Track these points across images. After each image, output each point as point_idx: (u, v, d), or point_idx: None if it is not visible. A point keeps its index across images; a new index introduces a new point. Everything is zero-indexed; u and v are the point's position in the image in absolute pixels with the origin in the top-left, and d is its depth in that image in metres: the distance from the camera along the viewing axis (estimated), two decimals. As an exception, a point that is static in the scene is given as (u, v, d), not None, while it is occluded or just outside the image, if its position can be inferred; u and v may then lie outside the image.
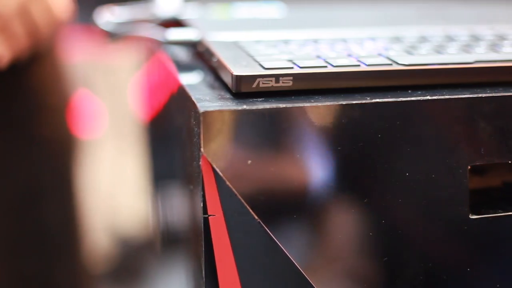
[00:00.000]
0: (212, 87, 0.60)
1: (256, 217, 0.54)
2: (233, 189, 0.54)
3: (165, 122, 0.77)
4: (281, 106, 0.54)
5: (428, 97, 0.56)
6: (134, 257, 1.64)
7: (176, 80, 0.65)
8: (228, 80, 0.57)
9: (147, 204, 1.01)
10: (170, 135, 0.72)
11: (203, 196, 0.54)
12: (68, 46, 1.06)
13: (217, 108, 0.53)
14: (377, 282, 0.58)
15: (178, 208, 0.68)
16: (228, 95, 0.57)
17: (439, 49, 0.63)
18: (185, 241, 0.64)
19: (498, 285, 0.61)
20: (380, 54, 0.61)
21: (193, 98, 0.56)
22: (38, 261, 0.94)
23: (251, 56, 0.60)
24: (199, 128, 0.53)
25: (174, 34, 0.70)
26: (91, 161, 1.26)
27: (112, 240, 1.67)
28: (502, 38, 0.69)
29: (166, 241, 0.82)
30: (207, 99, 0.56)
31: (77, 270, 1.00)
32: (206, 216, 0.54)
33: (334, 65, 0.58)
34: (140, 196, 1.49)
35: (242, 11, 0.83)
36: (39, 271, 0.94)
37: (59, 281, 0.96)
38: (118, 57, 1.70)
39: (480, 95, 0.57)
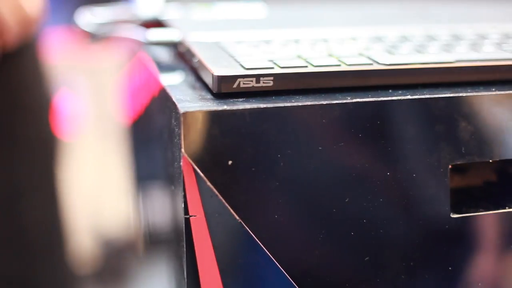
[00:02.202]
0: (193, 87, 0.60)
1: (237, 217, 0.54)
2: (214, 190, 0.54)
3: (147, 123, 0.77)
4: (262, 106, 0.54)
5: (409, 97, 0.56)
6: (116, 258, 1.64)
7: (157, 81, 0.65)
8: (209, 80, 0.57)
9: (130, 205, 1.01)
10: (152, 136, 0.72)
11: (184, 196, 0.54)
12: (48, 46, 1.05)
13: (197, 109, 0.53)
14: (359, 282, 0.58)
15: (160, 209, 0.68)
16: (209, 96, 0.57)
17: (420, 49, 0.63)
18: (167, 241, 0.64)
19: (479, 284, 0.61)
20: (361, 54, 0.61)
21: (174, 99, 0.56)
22: (19, 263, 0.93)
23: (232, 56, 0.60)
24: (179, 128, 0.53)
25: (156, 34, 0.70)
26: (73, 162, 1.26)
27: (95, 241, 1.66)
28: (483, 37, 0.69)
29: (148, 242, 0.82)
30: (187, 100, 0.56)
31: (59, 271, 0.99)
32: (187, 216, 0.54)
33: (315, 65, 0.58)
34: (123, 197, 1.49)
35: (224, 11, 0.83)
36: (20, 272, 0.93)
37: (40, 283, 0.96)
38: (100, 58, 1.70)
39: (460, 95, 0.57)
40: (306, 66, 0.57)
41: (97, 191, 1.70)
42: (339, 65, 0.58)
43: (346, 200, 0.56)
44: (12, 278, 0.93)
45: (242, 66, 0.57)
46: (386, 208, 0.57)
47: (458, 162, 0.58)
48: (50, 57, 1.05)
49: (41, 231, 0.96)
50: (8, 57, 0.88)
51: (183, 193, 0.54)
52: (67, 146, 1.10)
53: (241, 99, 0.55)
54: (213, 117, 0.53)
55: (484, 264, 0.61)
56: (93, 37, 0.81)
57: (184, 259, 0.55)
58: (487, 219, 0.60)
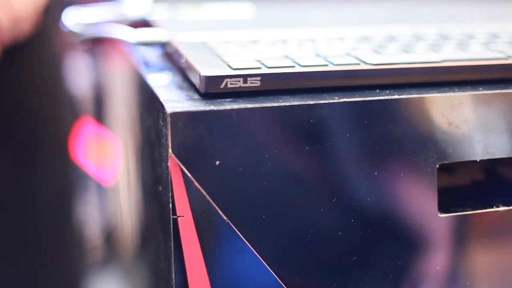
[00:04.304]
0: (180, 88, 0.60)
1: (225, 218, 0.54)
2: (202, 190, 0.54)
3: (134, 123, 0.77)
4: (249, 107, 0.54)
5: (396, 96, 0.56)
6: (101, 256, 1.63)
7: (144, 81, 0.65)
8: (196, 80, 0.57)
9: (117, 206, 1.01)
10: (140, 136, 0.72)
11: (172, 197, 0.54)
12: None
13: (185, 109, 0.53)
14: (347, 281, 0.58)
15: (148, 209, 0.68)
16: (196, 96, 0.57)
17: (407, 49, 0.64)
18: (155, 242, 0.64)
19: (468, 283, 0.61)
20: (348, 54, 0.61)
21: (161, 99, 0.56)
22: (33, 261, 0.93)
23: (220, 57, 0.60)
24: (167, 129, 0.53)
25: (143, 35, 0.70)
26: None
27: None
28: (470, 37, 0.69)
29: (136, 242, 0.82)
30: (175, 100, 0.56)
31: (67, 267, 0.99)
32: (175, 217, 0.54)
33: (302, 65, 0.58)
34: (110, 197, 1.48)
35: (211, 12, 0.83)
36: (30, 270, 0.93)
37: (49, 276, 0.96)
38: (87, 58, 1.69)
39: (447, 94, 0.57)
40: (294, 66, 0.58)
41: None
42: (326, 65, 0.58)
43: (334, 200, 0.56)
44: (22, 275, 0.93)
45: (230, 66, 0.57)
46: (373, 207, 0.57)
47: (446, 162, 0.58)
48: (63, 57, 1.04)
49: (53, 233, 0.96)
50: (14, 57, 0.87)
51: (170, 194, 0.54)
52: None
53: (228, 99, 0.55)
54: (201, 117, 0.53)
55: (471, 264, 0.61)
56: (80, 37, 0.81)
57: (172, 260, 0.55)
58: (475, 219, 0.60)
